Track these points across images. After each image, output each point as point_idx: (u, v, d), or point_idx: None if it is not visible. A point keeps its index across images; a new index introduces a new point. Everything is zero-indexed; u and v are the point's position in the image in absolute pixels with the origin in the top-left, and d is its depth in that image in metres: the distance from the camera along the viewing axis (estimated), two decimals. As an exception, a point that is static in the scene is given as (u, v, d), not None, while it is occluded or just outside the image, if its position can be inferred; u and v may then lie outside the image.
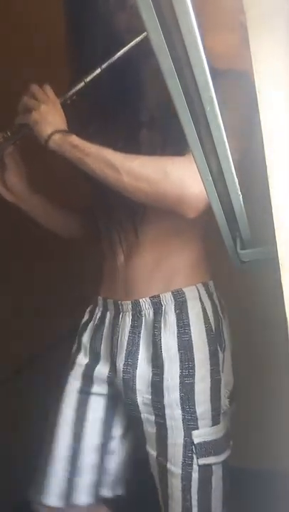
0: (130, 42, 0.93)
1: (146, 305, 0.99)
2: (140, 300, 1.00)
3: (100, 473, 1.07)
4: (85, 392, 1.07)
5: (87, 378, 1.07)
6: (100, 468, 1.07)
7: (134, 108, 1.01)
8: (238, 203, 0.59)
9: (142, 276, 1.02)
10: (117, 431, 1.10)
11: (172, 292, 0.99)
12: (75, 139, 0.94)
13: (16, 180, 1.11)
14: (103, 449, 1.08)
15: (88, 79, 0.96)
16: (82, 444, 1.06)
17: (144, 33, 0.89)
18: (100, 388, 1.07)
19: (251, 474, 1.52)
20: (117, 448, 1.10)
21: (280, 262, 0.53)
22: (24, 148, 1.08)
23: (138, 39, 0.91)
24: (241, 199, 0.58)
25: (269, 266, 0.57)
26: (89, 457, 1.06)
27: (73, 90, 0.98)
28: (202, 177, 0.55)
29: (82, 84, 0.97)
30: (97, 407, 1.07)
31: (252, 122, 0.89)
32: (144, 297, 1.00)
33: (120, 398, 1.05)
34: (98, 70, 0.95)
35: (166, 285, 1.00)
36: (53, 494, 1.03)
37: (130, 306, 1.01)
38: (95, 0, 0.96)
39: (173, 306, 0.98)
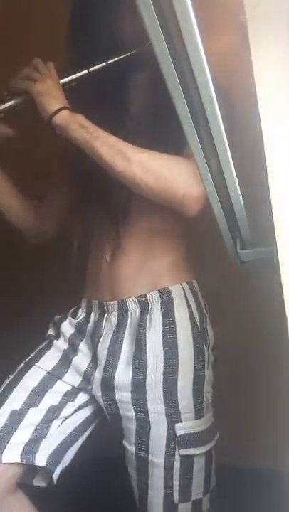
0: (142, 44, 0.92)
1: (132, 305, 1.00)
2: (126, 300, 1.00)
3: (38, 434, 0.98)
4: (54, 376, 1.04)
5: (63, 364, 1.05)
6: (41, 427, 0.98)
7: (120, 114, 1.01)
8: (238, 203, 0.59)
9: (127, 276, 1.02)
10: (76, 406, 1.05)
11: (159, 291, 0.99)
12: (83, 119, 0.91)
13: None
14: (52, 413, 1.01)
15: (93, 68, 0.96)
16: (31, 408, 0.99)
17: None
18: (71, 379, 1.04)
19: (252, 474, 1.52)
20: (71, 416, 1.04)
21: (280, 262, 0.53)
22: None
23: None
24: (241, 199, 0.58)
25: (269, 266, 0.57)
26: (33, 414, 0.99)
27: (75, 76, 0.97)
28: (202, 177, 0.55)
29: (85, 71, 0.96)
30: (60, 390, 1.03)
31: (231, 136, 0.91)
32: (130, 297, 1.00)
33: (91, 396, 1.04)
34: (104, 64, 0.95)
35: (152, 284, 1.00)
36: None
37: (116, 306, 1.01)
38: None
39: (159, 305, 0.99)
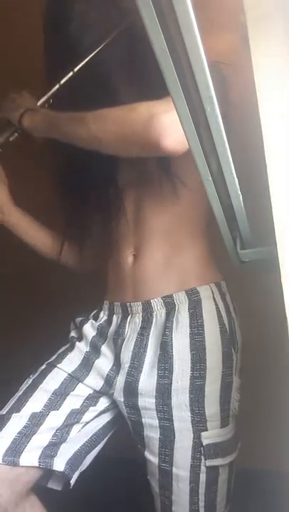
0: (98, 46, 0.96)
1: (158, 305, 0.96)
2: (152, 301, 0.97)
3: (58, 438, 0.95)
4: (75, 378, 1.01)
5: (85, 367, 1.02)
6: (61, 431, 0.96)
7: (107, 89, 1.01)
8: (238, 203, 0.59)
9: (152, 276, 0.98)
10: (98, 410, 1.02)
11: (186, 291, 0.96)
12: (46, 111, 1.00)
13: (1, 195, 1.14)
14: (74, 417, 0.98)
15: (62, 81, 1.01)
16: (52, 411, 0.97)
17: (110, 38, 0.95)
18: (93, 382, 1.01)
19: (252, 474, 1.52)
20: (91, 421, 1.01)
21: (280, 262, 0.53)
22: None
23: (107, 41, 0.95)
24: (241, 199, 0.58)
25: (269, 266, 0.57)
26: (54, 417, 0.96)
27: (49, 93, 1.04)
28: (202, 177, 0.55)
29: (56, 86, 1.02)
30: (81, 393, 1.01)
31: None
32: (156, 297, 0.97)
33: (112, 401, 1.01)
34: (71, 73, 0.99)
35: (179, 285, 0.97)
36: (2, 447, 0.90)
37: (140, 308, 0.98)
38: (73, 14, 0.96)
39: (187, 306, 0.95)
